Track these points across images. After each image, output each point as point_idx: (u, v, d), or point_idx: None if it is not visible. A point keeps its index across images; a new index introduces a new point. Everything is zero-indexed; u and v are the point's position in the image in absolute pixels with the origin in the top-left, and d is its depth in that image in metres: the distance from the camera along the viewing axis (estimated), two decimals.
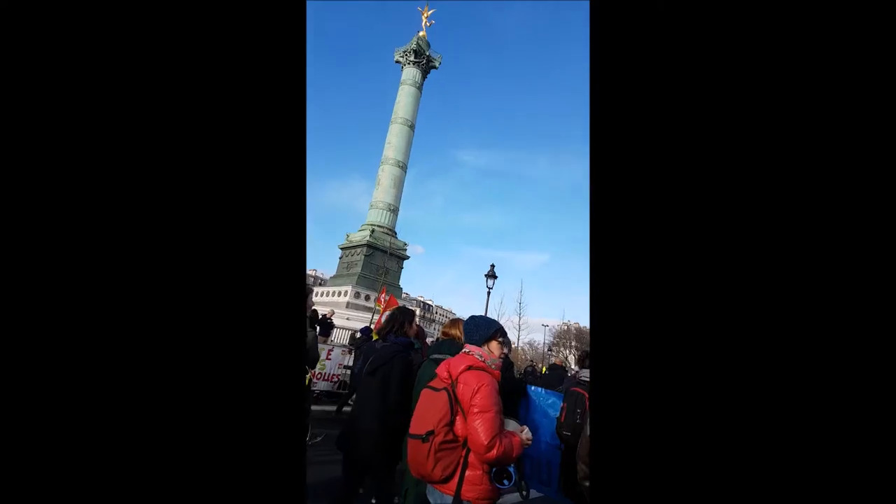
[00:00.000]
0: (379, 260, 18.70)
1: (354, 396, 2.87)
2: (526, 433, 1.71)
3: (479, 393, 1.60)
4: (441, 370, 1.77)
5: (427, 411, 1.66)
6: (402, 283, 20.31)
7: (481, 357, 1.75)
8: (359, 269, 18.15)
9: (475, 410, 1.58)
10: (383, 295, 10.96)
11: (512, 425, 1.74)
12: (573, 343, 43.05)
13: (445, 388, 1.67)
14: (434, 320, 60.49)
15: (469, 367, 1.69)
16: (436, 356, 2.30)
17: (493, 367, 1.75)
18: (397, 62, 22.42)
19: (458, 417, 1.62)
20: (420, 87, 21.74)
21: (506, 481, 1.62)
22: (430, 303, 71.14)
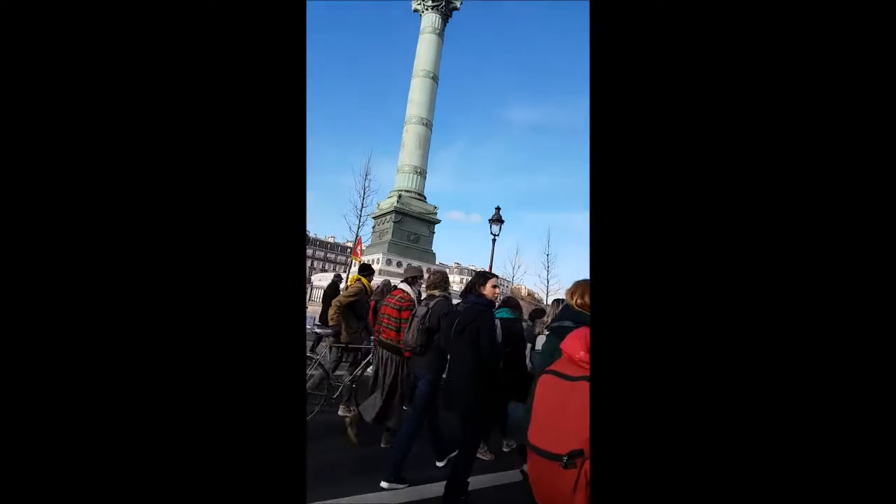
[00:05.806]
0: (409, 226, 18.01)
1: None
2: None
3: None
4: (571, 346, 1.20)
5: (560, 414, 1.09)
6: (448, 250, 19.71)
7: None
8: (389, 236, 17.58)
9: None
10: (359, 247, 10.66)
11: None
12: None
13: (586, 378, 1.09)
14: None
15: None
16: (557, 324, 1.81)
17: None
18: (415, 11, 20.65)
19: None
20: (441, 35, 19.90)
21: None
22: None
